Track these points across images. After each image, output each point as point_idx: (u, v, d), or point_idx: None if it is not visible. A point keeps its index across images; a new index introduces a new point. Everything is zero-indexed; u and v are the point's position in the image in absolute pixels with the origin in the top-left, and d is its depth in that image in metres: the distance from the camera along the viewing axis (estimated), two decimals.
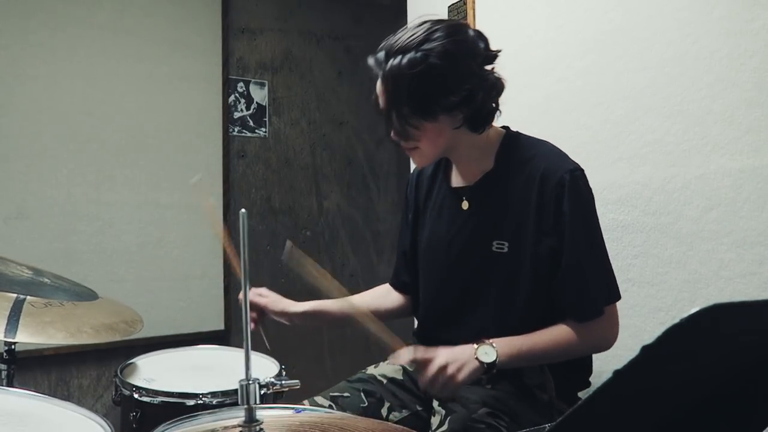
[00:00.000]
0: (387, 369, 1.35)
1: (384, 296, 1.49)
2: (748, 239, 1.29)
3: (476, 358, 1.08)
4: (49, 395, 1.11)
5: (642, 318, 1.49)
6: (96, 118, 2.46)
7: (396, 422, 1.22)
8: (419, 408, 1.28)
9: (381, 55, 1.15)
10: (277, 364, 1.50)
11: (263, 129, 2.94)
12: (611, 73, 1.57)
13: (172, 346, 1.68)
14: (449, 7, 2.07)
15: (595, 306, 1.16)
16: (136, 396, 1.32)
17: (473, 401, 1.16)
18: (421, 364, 1.09)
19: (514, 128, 1.28)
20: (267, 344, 1.33)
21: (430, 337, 1.33)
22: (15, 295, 1.23)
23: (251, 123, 2.91)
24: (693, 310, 0.39)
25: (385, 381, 1.31)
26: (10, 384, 1.33)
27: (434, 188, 1.34)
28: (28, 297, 1.24)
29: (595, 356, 1.27)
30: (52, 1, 2.37)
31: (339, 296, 1.22)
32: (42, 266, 1.46)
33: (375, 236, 3.27)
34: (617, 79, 1.55)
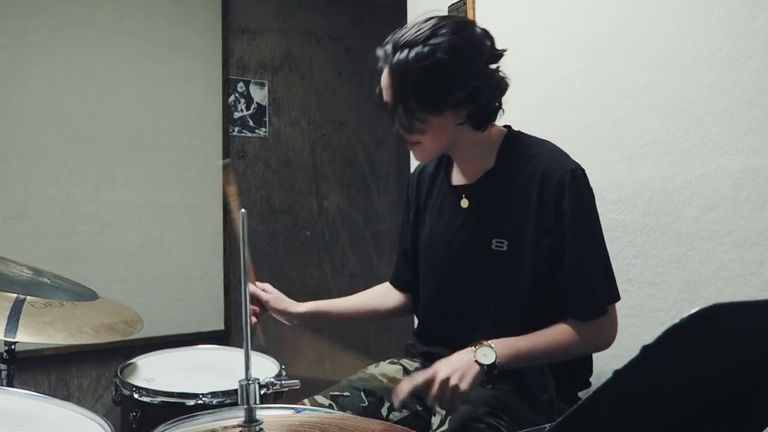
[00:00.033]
0: (387, 368, 1.35)
1: (384, 295, 1.49)
2: (748, 239, 1.29)
3: (476, 361, 1.08)
4: (49, 395, 1.11)
5: (642, 318, 1.49)
6: (96, 118, 2.46)
7: (396, 422, 1.22)
8: (419, 408, 1.27)
9: (388, 48, 1.16)
10: (277, 364, 1.50)
11: (263, 129, 2.94)
12: (611, 73, 1.57)
13: (172, 346, 1.68)
14: (449, 7, 2.07)
15: (597, 305, 1.16)
16: (136, 396, 1.32)
17: (473, 401, 1.16)
18: (425, 386, 1.09)
19: (514, 128, 1.29)
20: (262, 340, 1.33)
21: (430, 336, 1.33)
22: (15, 295, 1.23)
23: (251, 123, 2.91)
24: (693, 310, 0.39)
25: (385, 381, 1.31)
26: (10, 384, 1.33)
27: (435, 186, 1.34)
28: (28, 297, 1.24)
29: (595, 356, 1.27)
30: (52, 1, 2.37)
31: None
32: (42, 266, 1.46)
33: (375, 236, 3.27)
34: (617, 79, 1.55)
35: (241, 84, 2.87)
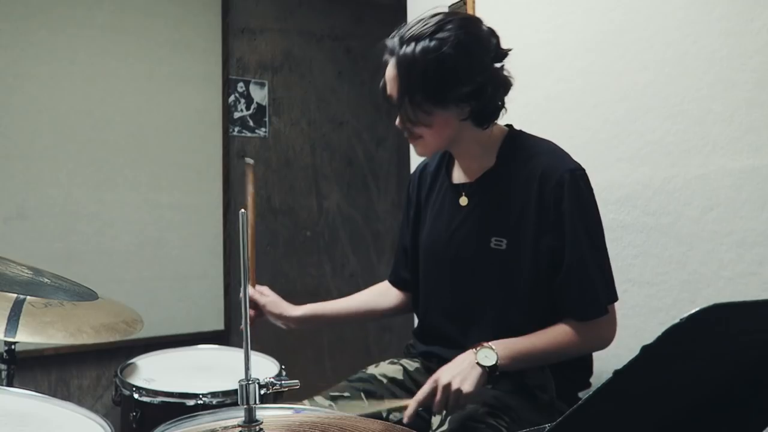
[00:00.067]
0: (387, 369, 1.35)
1: (382, 295, 1.49)
2: (748, 239, 1.29)
3: (477, 363, 1.08)
4: (49, 395, 1.11)
5: (642, 318, 1.49)
6: (96, 118, 2.45)
7: (396, 422, 1.22)
8: (420, 408, 1.27)
9: (395, 40, 1.17)
10: (277, 364, 1.50)
11: (263, 129, 2.94)
12: (611, 73, 1.57)
13: (172, 346, 1.67)
14: (449, 7, 2.07)
15: (598, 304, 1.16)
16: (136, 396, 1.32)
17: (473, 401, 1.16)
18: (429, 395, 1.09)
19: (515, 128, 1.29)
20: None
21: (429, 335, 1.33)
22: (15, 295, 1.22)
23: (251, 123, 2.91)
24: (693, 310, 0.39)
25: (385, 381, 1.31)
26: (10, 384, 1.33)
27: (436, 185, 1.34)
28: (28, 297, 1.24)
29: (595, 356, 1.27)
30: (52, 1, 2.37)
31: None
32: (42, 266, 1.46)
33: (375, 236, 3.27)
34: (617, 79, 1.55)
35: (241, 84, 2.87)
